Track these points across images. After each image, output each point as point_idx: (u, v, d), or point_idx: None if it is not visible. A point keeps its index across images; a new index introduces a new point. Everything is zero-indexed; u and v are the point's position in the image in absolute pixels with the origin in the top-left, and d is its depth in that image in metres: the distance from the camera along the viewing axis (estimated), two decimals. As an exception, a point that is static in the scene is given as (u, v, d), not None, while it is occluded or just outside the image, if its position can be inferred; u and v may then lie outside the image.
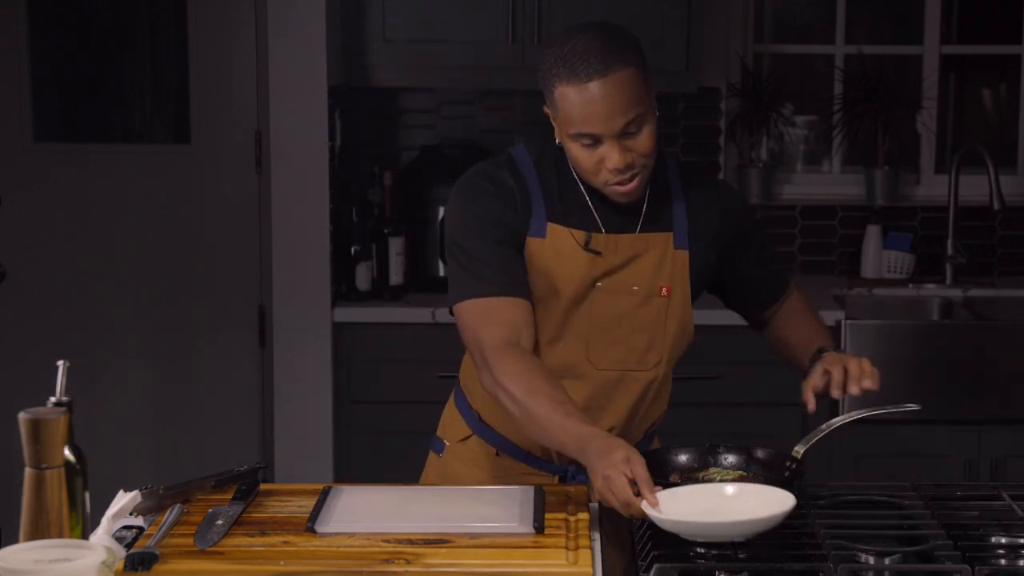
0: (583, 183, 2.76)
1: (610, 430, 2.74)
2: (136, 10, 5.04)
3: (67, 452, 2.09)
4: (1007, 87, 5.51)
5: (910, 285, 5.07)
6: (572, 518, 2.49)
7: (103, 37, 5.06)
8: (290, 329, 4.68)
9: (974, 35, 5.53)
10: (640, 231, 2.78)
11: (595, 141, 2.63)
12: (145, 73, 5.13)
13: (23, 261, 4.86)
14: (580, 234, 2.75)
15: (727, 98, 5.24)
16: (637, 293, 2.78)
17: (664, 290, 2.79)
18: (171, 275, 4.93)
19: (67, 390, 2.17)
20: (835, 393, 2.70)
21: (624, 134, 2.62)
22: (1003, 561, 2.30)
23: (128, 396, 4.97)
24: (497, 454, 2.92)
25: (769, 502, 2.33)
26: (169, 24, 5.03)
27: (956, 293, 5.01)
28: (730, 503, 2.38)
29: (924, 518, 2.48)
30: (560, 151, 2.76)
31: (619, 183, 2.67)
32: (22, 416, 2.01)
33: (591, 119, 2.60)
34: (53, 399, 2.15)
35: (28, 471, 2.03)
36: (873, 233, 5.15)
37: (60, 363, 2.19)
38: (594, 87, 2.58)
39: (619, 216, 2.77)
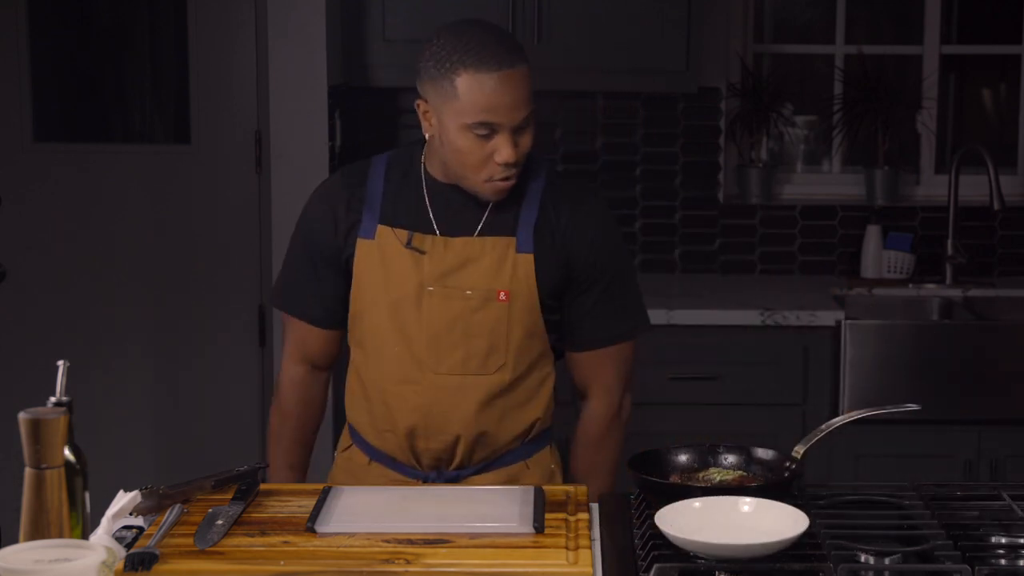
0: (431, 186, 2.81)
1: (457, 438, 2.83)
2: (136, 10, 5.04)
3: (67, 452, 2.09)
4: (1007, 87, 5.51)
5: (910, 285, 5.07)
6: (572, 518, 2.49)
7: (103, 37, 5.06)
8: (290, 329, 4.68)
9: (974, 35, 5.53)
10: (479, 235, 2.79)
11: (490, 132, 2.66)
12: (145, 73, 5.14)
13: (23, 261, 4.86)
14: (403, 233, 2.80)
15: (727, 98, 5.24)
16: (472, 297, 2.78)
17: (502, 294, 2.78)
18: (171, 275, 4.93)
19: (67, 390, 2.17)
20: None
21: (517, 129, 2.66)
22: (1003, 561, 2.30)
23: (128, 396, 4.97)
24: (369, 463, 2.96)
25: (784, 521, 2.32)
26: (169, 24, 5.03)
27: (956, 293, 5.01)
28: (744, 520, 2.37)
29: (924, 518, 2.48)
30: (412, 156, 2.84)
31: (503, 178, 2.70)
32: (22, 416, 2.01)
33: (497, 108, 2.63)
34: (53, 399, 2.15)
35: (28, 471, 2.03)
36: (873, 233, 5.14)
37: (60, 363, 2.19)
38: (503, 77, 2.63)
39: (457, 219, 2.80)
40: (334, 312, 2.91)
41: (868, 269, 5.15)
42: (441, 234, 2.79)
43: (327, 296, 2.90)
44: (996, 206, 4.85)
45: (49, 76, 4.97)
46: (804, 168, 5.51)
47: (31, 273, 4.90)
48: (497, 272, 2.78)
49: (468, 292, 2.78)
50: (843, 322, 4.48)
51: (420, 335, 2.80)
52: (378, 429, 2.91)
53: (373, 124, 5.20)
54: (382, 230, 2.81)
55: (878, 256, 5.13)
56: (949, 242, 5.07)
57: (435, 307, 2.79)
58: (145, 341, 4.96)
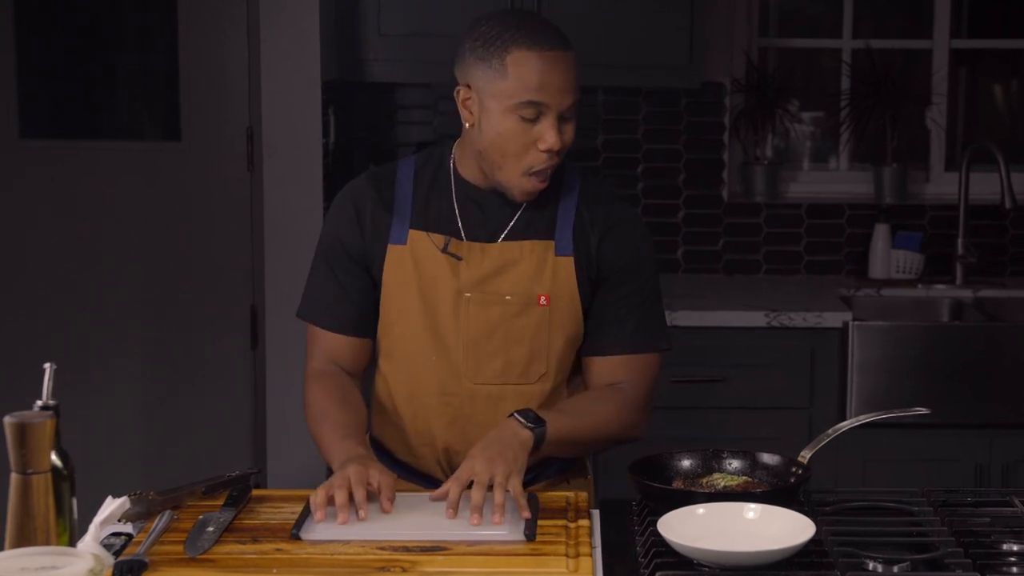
0: (461, 188, 2.80)
1: None
2: (124, 2, 5.04)
3: (54, 457, 2.09)
4: (1018, 82, 5.51)
5: (919, 285, 5.07)
6: (572, 525, 2.49)
7: (90, 31, 5.06)
8: (283, 331, 4.68)
9: (985, 29, 5.53)
10: (506, 240, 2.79)
11: (537, 116, 2.65)
12: (134, 68, 5.13)
13: (8, 261, 4.86)
14: (439, 238, 2.79)
15: (731, 93, 5.24)
16: (511, 303, 2.77)
17: (543, 298, 2.77)
18: (161, 275, 4.93)
19: (54, 393, 2.17)
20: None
21: (563, 117, 2.67)
22: (1015, 569, 2.29)
23: (116, 399, 4.96)
24: (396, 480, 2.92)
25: (790, 529, 2.32)
26: (158, 17, 5.03)
27: (966, 294, 5.01)
28: (749, 527, 2.37)
29: (934, 525, 2.48)
30: (442, 157, 2.84)
31: (542, 171, 2.70)
32: (8, 420, 2.01)
33: (548, 87, 2.64)
34: (40, 402, 2.15)
35: (14, 476, 2.03)
36: (881, 232, 5.14)
37: (47, 366, 2.19)
38: (555, 57, 2.64)
39: (483, 226, 2.79)
40: (362, 319, 2.87)
41: (876, 269, 5.15)
42: (467, 239, 2.78)
43: (354, 302, 2.86)
44: (1008, 204, 4.85)
45: (35, 71, 4.97)
46: (810, 165, 5.51)
47: (17, 273, 4.90)
48: (537, 276, 2.78)
49: (508, 297, 2.77)
50: (850, 323, 4.48)
51: (458, 343, 2.79)
52: (410, 445, 2.88)
53: (368, 120, 5.20)
54: (415, 235, 2.80)
55: (886, 256, 5.13)
56: (959, 241, 5.07)
57: (473, 314, 2.77)
58: (134, 343, 4.95)
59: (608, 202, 2.86)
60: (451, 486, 2.50)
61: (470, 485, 2.51)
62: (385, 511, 2.49)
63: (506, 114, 2.66)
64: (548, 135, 2.66)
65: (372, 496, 2.52)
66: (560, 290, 2.78)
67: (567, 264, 2.78)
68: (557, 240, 2.79)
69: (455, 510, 2.48)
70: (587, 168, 5.05)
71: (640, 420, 2.85)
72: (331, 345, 2.88)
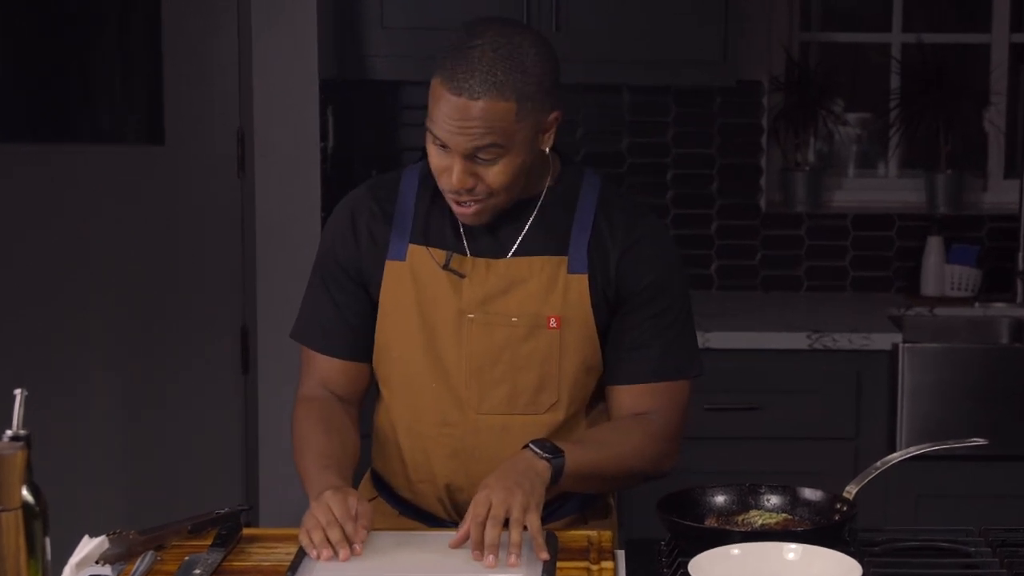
0: None
1: None
2: (104, -5, 5.07)
3: (25, 492, 2.09)
4: (1086, 80, 5.51)
5: (976, 304, 5.06)
6: (595, 567, 2.49)
7: (67, 26, 5.07)
8: (276, 353, 4.68)
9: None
10: (515, 255, 2.78)
11: (445, 147, 2.65)
12: (114, 65, 5.15)
13: (-23, 276, 4.88)
14: (439, 253, 2.78)
15: (770, 93, 5.24)
16: (518, 325, 2.76)
17: (552, 321, 2.76)
18: (143, 292, 4.93)
19: (25, 422, 2.17)
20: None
21: (473, 157, 2.63)
22: (1082, 616, 2.30)
23: (93, 429, 4.97)
24: (399, 516, 2.93)
25: (834, 571, 2.31)
26: (140, 10, 5.04)
27: (1028, 313, 5.02)
28: (789, 569, 2.36)
29: (992, 567, 2.48)
30: None
31: (456, 202, 2.70)
32: (-26, 452, 2.01)
33: (445, 125, 2.62)
34: (9, 432, 2.15)
35: (-19, 514, 2.03)
36: (934, 245, 5.14)
37: (17, 392, 2.19)
38: (460, 103, 2.60)
39: (490, 241, 2.78)
40: (358, 342, 2.86)
41: (929, 286, 5.14)
42: (472, 254, 2.78)
43: (350, 323, 2.85)
44: (1074, 214, 4.85)
45: (9, 70, 4.98)
46: (857, 172, 5.52)
47: (-14, 290, 4.92)
48: (546, 296, 2.76)
49: (514, 319, 2.75)
50: (901, 346, 4.48)
51: (459, 369, 2.78)
52: (411, 480, 2.88)
53: (370, 122, 5.21)
54: (414, 250, 2.79)
55: (940, 271, 5.13)
56: (1020, 255, 5.07)
57: (476, 337, 2.76)
58: (113, 367, 4.96)
59: (630, 213, 2.83)
60: (471, 527, 2.49)
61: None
62: (356, 553, 2.49)
63: (428, 130, 2.68)
64: (450, 173, 2.65)
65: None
66: (572, 311, 2.76)
67: (580, 283, 2.77)
68: (571, 256, 2.77)
69: (482, 551, 2.47)
70: (610, 174, 5.06)
71: (669, 452, 2.84)
72: (324, 369, 2.88)
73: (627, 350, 2.80)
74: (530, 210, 2.79)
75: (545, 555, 2.45)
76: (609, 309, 2.79)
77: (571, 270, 2.77)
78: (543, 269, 2.77)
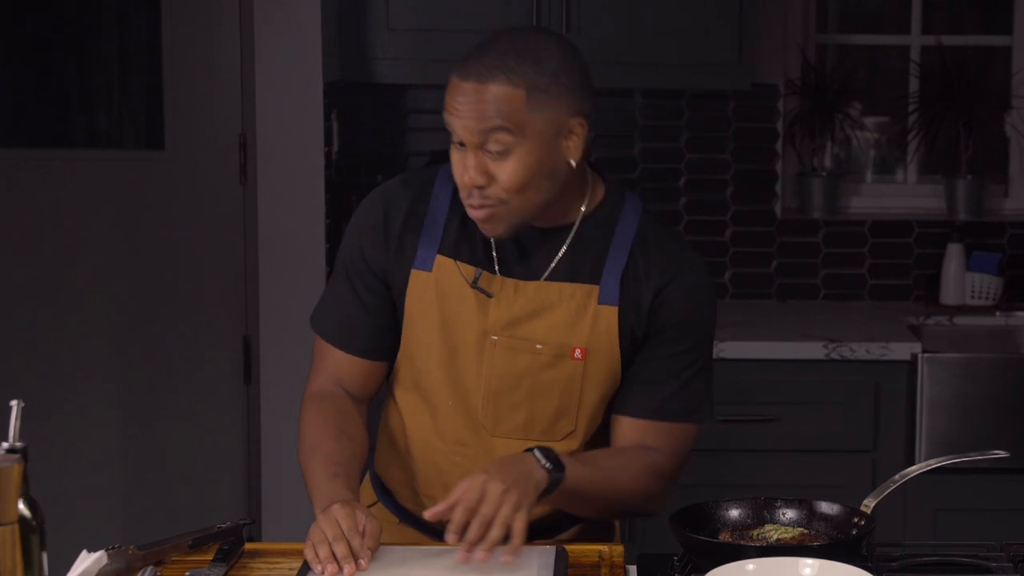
0: None
1: None
2: (102, -2, 5.07)
3: (21, 506, 2.09)
4: (1110, 83, 5.50)
5: (997, 313, 5.06)
6: (606, 583, 2.49)
7: (65, 29, 5.07)
8: (279, 364, 4.68)
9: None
10: (547, 279, 2.76)
11: (460, 144, 2.66)
12: (113, 69, 5.15)
13: (-28, 284, 4.88)
14: (469, 269, 2.76)
15: (785, 96, 5.24)
16: (542, 353, 2.74)
17: (578, 352, 2.74)
18: (143, 301, 4.94)
19: (22, 434, 2.17)
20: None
21: (485, 149, 2.63)
22: (1106, 634, 2.29)
23: (92, 441, 4.97)
24: (399, 523, 2.93)
25: None
26: (140, 13, 5.05)
27: (1051, 322, 5.02)
28: None
29: (1014, 583, 2.47)
30: None
31: (470, 205, 2.68)
32: (-30, 464, 2.02)
33: (453, 111, 2.65)
34: (6, 445, 2.15)
35: (-23, 528, 2.04)
36: (954, 253, 5.14)
37: (14, 403, 2.19)
38: (469, 87, 2.63)
39: (520, 261, 2.77)
40: (378, 341, 2.85)
41: (949, 294, 5.14)
42: (501, 274, 2.76)
43: (372, 321, 2.84)
44: (1098, 221, 4.85)
45: (4, 73, 4.99)
46: (874, 178, 5.51)
47: (-19, 299, 4.92)
48: (574, 325, 2.74)
49: (539, 346, 2.74)
50: (920, 355, 4.48)
51: (478, 390, 2.77)
52: (417, 492, 2.88)
53: (376, 126, 5.21)
54: (441, 261, 2.77)
55: (960, 279, 5.12)
56: (1043, 263, 5.07)
57: (498, 360, 2.75)
58: (113, 377, 4.96)
59: (669, 249, 2.79)
60: (459, 511, 2.47)
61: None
62: (361, 568, 2.48)
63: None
64: (459, 166, 2.66)
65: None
66: (598, 343, 2.74)
67: (610, 315, 2.74)
68: (603, 286, 2.75)
69: (460, 535, 2.46)
70: (622, 180, 5.05)
71: (663, 492, 2.82)
72: (340, 365, 2.87)
73: (640, 382, 2.78)
74: (564, 235, 2.76)
75: (509, 558, 2.45)
76: (635, 344, 2.77)
77: (601, 301, 2.74)
78: (573, 297, 2.75)
